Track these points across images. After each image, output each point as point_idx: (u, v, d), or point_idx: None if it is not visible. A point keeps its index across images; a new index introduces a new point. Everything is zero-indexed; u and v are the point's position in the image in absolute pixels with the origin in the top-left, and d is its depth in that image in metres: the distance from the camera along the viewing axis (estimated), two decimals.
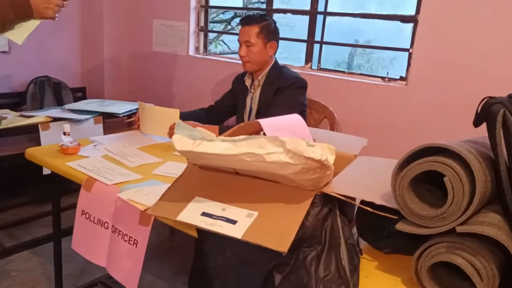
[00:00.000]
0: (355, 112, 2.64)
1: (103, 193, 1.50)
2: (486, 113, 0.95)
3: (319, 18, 2.83)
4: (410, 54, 2.48)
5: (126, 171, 1.63)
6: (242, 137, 1.02)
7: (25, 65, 3.27)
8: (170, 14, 3.46)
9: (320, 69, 2.87)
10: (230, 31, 4.58)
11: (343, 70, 2.82)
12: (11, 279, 2.25)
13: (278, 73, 2.26)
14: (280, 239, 0.99)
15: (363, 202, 1.09)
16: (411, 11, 2.46)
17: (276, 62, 2.31)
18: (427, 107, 2.40)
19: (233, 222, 1.06)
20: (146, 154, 1.84)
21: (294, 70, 2.38)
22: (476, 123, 1.00)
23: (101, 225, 1.50)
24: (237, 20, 4.61)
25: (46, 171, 2.24)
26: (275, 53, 2.30)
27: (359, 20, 2.71)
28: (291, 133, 1.34)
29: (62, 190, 1.94)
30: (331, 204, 1.10)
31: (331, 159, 1.04)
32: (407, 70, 2.51)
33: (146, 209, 1.28)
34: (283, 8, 3.06)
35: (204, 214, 1.10)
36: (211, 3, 3.41)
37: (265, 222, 1.05)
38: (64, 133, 1.84)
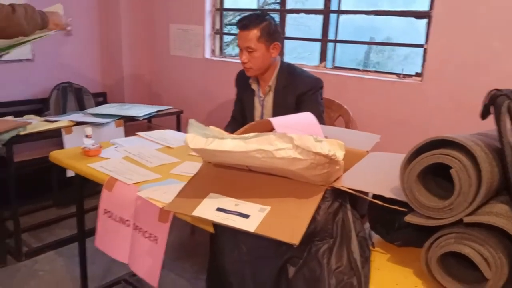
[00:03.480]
0: (370, 109, 2.64)
1: (123, 192, 1.55)
2: (492, 105, 0.97)
3: (333, 16, 2.85)
4: (425, 50, 2.48)
5: (146, 171, 1.69)
6: (252, 134, 1.05)
7: (48, 72, 3.39)
8: (186, 18, 3.53)
9: (335, 68, 2.89)
10: None
11: (359, 68, 2.82)
12: (38, 278, 2.34)
13: (290, 75, 2.13)
14: (291, 232, 1.02)
15: (374, 196, 1.11)
16: (424, 7, 2.46)
17: (282, 62, 2.17)
18: (443, 102, 2.39)
19: (246, 216, 1.09)
20: (165, 155, 1.90)
21: (307, 69, 2.32)
22: (483, 115, 1.01)
23: (123, 223, 1.56)
24: None
25: (69, 174, 2.31)
26: (278, 54, 2.13)
27: (373, 18, 2.71)
28: (303, 131, 1.37)
29: (86, 192, 2.00)
30: (341, 199, 1.13)
31: (339, 154, 1.07)
32: (423, 66, 2.50)
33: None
34: (297, 8, 3.08)
35: (218, 209, 1.14)
36: (226, 6, 3.46)
37: (277, 216, 1.08)
38: (86, 136, 1.90)
